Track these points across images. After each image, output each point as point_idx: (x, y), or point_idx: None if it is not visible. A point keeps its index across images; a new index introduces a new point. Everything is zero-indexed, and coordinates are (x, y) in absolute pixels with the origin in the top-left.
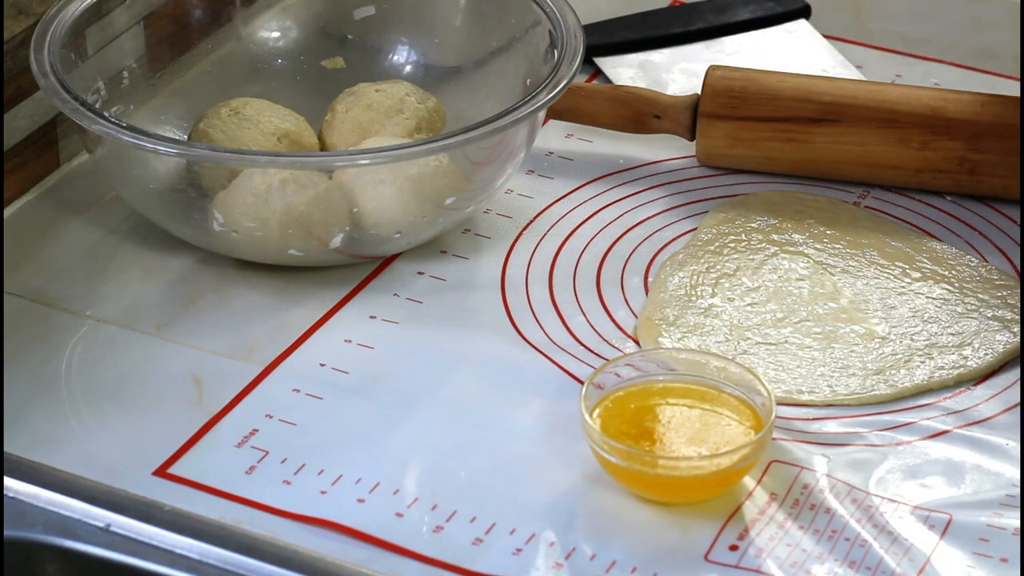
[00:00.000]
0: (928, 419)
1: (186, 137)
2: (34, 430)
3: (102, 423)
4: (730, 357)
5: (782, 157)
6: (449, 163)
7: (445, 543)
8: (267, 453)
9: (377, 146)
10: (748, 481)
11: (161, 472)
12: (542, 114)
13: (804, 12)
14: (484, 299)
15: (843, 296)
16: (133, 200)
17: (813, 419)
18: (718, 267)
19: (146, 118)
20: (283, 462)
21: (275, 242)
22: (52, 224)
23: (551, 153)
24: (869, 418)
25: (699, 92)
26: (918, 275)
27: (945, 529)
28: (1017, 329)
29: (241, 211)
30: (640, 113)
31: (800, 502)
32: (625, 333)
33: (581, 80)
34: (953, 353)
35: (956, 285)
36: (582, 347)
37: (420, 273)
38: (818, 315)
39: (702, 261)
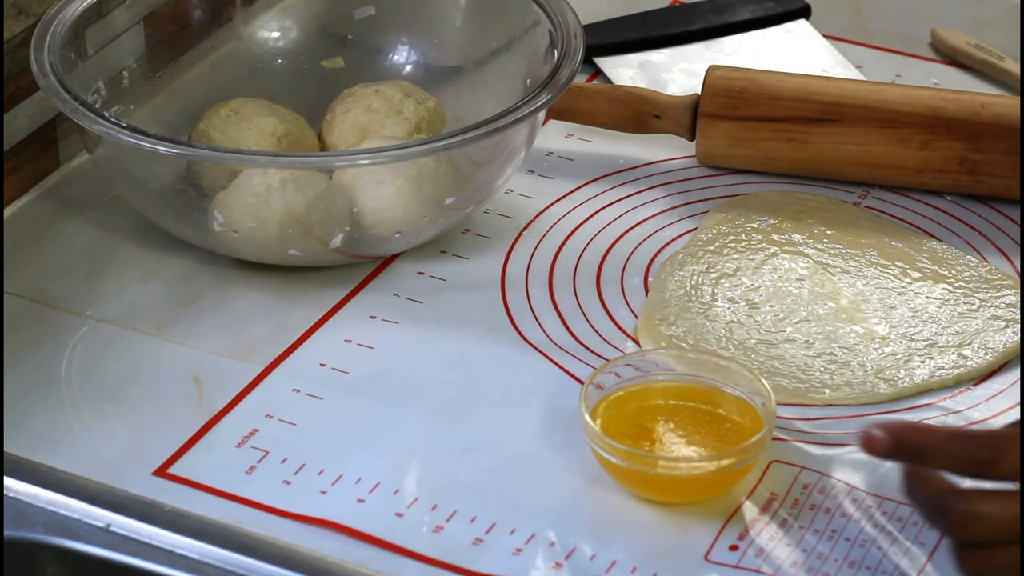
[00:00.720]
0: (928, 419)
1: (186, 137)
2: (34, 430)
3: (102, 423)
4: (730, 357)
5: (782, 157)
6: (449, 163)
7: (445, 543)
8: (267, 453)
9: (377, 146)
10: (748, 481)
11: (161, 472)
12: (542, 114)
13: (804, 12)
14: (484, 299)
15: (843, 296)
16: (133, 200)
17: (813, 419)
18: (718, 267)
19: (146, 118)
20: (283, 462)
21: (275, 242)
22: (52, 224)
23: (551, 153)
24: (869, 418)
25: (699, 92)
26: (918, 275)
27: None
28: (1017, 329)
29: (241, 211)
30: (640, 113)
31: (800, 502)
32: (625, 333)
33: (581, 80)
34: (953, 353)
35: (956, 285)
36: (582, 347)
37: (420, 273)
38: (818, 315)
39: (702, 261)
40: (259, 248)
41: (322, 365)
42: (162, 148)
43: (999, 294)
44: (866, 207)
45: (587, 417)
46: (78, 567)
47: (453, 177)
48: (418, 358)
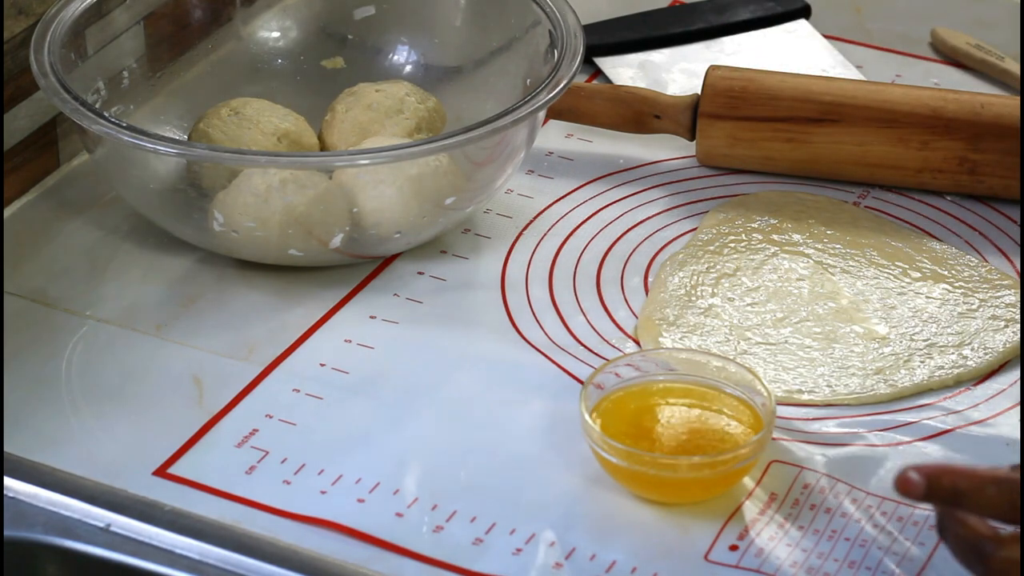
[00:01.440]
0: (928, 419)
1: (186, 137)
2: (34, 430)
3: (102, 423)
4: (730, 357)
5: (782, 157)
6: (449, 163)
7: (445, 543)
8: (267, 453)
9: (377, 146)
10: (748, 481)
11: (161, 472)
12: (542, 114)
13: (804, 12)
14: (484, 299)
15: (843, 296)
16: (133, 200)
17: (813, 419)
18: (718, 267)
19: (146, 118)
20: (283, 462)
21: (275, 242)
22: (52, 224)
23: (551, 153)
24: (869, 418)
25: (699, 92)
26: (918, 275)
27: None
28: (1017, 329)
29: (241, 211)
30: (640, 113)
31: (800, 502)
32: (625, 333)
33: (581, 80)
34: (953, 353)
35: (956, 285)
36: (582, 347)
37: (420, 273)
38: (818, 315)
39: (702, 261)
40: (259, 248)
41: (322, 365)
42: (162, 148)
43: (999, 294)
44: (866, 207)
45: (587, 417)
46: (78, 567)
47: (453, 177)
48: (418, 358)
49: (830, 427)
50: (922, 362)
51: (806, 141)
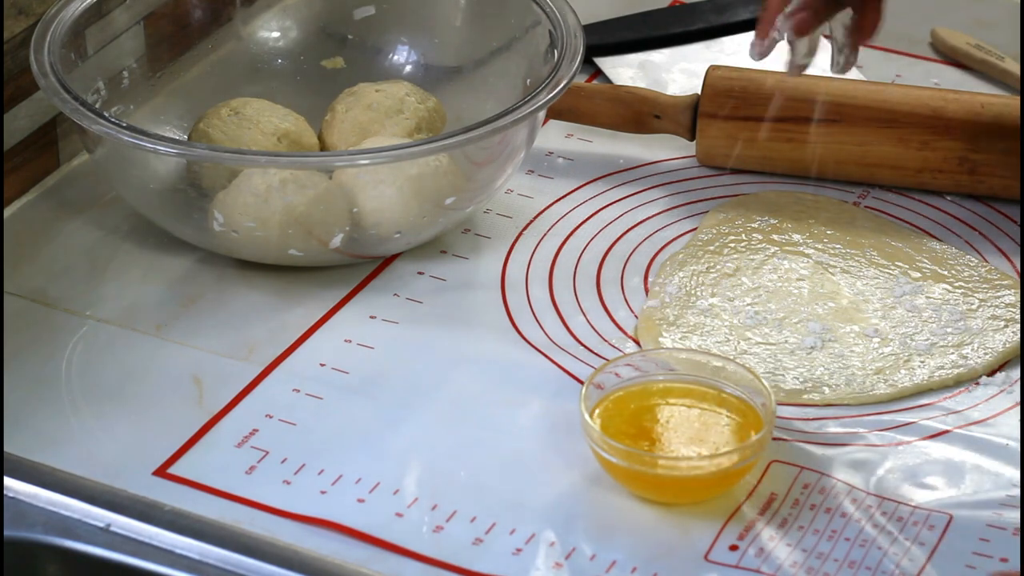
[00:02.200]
0: (928, 419)
1: (186, 137)
2: (34, 430)
3: (102, 423)
4: (730, 357)
5: (782, 157)
6: (449, 163)
7: (445, 543)
8: (267, 453)
9: (377, 146)
10: (748, 481)
11: (161, 472)
12: (542, 114)
13: None
14: (484, 299)
15: (843, 296)
16: (133, 200)
17: (813, 419)
18: (718, 267)
19: (146, 118)
20: (283, 462)
21: (275, 242)
22: (52, 224)
23: (551, 153)
24: (869, 418)
25: (699, 92)
26: (918, 275)
27: (945, 529)
28: (1017, 329)
29: (241, 211)
30: (640, 113)
31: (800, 502)
32: (625, 333)
33: (581, 80)
34: (953, 353)
35: (956, 285)
36: (582, 347)
37: (420, 273)
38: (818, 315)
39: (702, 261)
40: (259, 248)
41: (322, 365)
42: (162, 148)
43: (999, 294)
44: (866, 207)
45: (587, 417)
46: (78, 567)
47: (453, 177)
48: (418, 358)
49: (830, 427)
50: (922, 362)
51: (806, 141)
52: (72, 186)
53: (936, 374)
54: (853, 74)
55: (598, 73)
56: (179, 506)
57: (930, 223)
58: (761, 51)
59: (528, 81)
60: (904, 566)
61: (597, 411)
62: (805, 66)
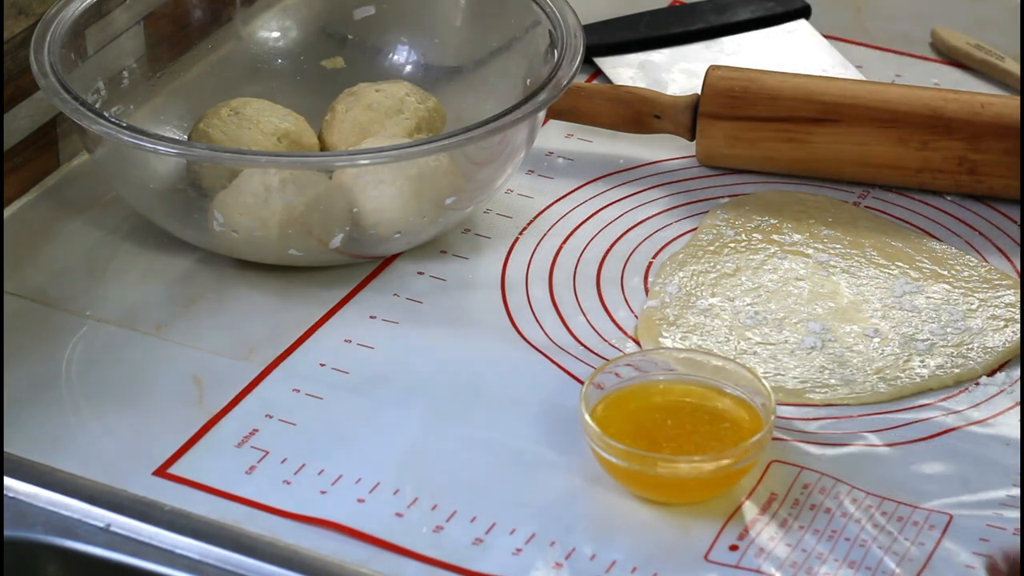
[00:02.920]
0: (928, 419)
1: (186, 137)
2: (34, 430)
3: (102, 423)
4: (730, 357)
5: (782, 157)
6: (449, 163)
7: (445, 543)
8: (267, 453)
9: (377, 146)
10: (748, 481)
11: (161, 472)
12: (542, 114)
13: (804, 12)
14: (484, 299)
15: (843, 296)
16: (133, 200)
17: (813, 419)
18: (718, 267)
19: (146, 118)
20: (283, 462)
21: (275, 242)
22: (52, 224)
23: (551, 153)
24: (869, 418)
25: (699, 92)
26: (918, 275)
27: (945, 529)
28: (1017, 329)
29: (241, 211)
30: (640, 113)
31: (800, 502)
32: (625, 333)
33: (581, 80)
34: (953, 353)
35: (956, 285)
36: (582, 347)
37: (420, 273)
38: (818, 315)
39: (702, 261)
40: (259, 248)
41: (322, 365)
42: (162, 148)
43: (999, 294)
44: (866, 207)
45: (587, 417)
46: (78, 567)
47: (453, 177)
48: (418, 358)
49: (830, 427)
50: (922, 362)
51: (806, 141)
52: (72, 186)
53: (936, 374)
54: (853, 74)
55: (598, 73)
56: (179, 506)
57: (930, 223)
58: None
59: (528, 81)
60: (904, 566)
61: (597, 411)
62: None
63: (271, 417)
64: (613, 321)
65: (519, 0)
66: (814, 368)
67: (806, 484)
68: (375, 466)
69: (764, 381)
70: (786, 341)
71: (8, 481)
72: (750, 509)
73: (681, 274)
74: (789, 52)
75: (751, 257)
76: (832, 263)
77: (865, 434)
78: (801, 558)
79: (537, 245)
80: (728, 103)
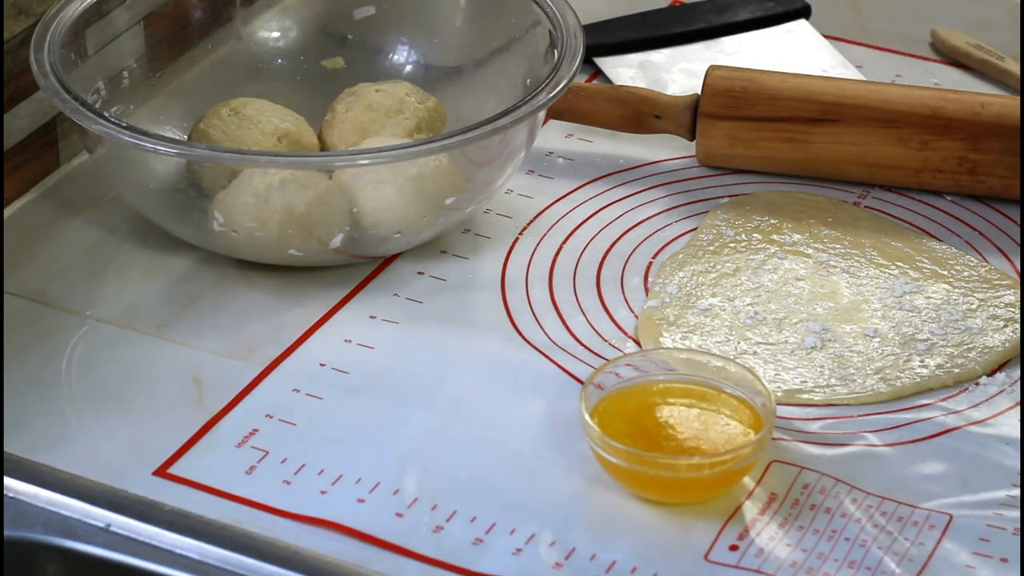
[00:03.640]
0: (928, 419)
1: (186, 137)
2: (34, 430)
3: (102, 423)
4: (730, 357)
5: (782, 157)
6: (449, 163)
7: (445, 543)
8: (267, 453)
9: (377, 146)
10: (748, 481)
11: (161, 472)
12: (542, 114)
13: (804, 12)
14: (484, 299)
15: (843, 296)
16: (133, 200)
17: (813, 419)
18: (718, 267)
19: (146, 118)
20: (283, 462)
21: (275, 242)
22: (52, 224)
23: (551, 153)
24: (869, 418)
25: (699, 92)
26: (918, 275)
27: (945, 529)
28: (1017, 329)
29: (241, 211)
30: (640, 113)
31: (800, 502)
32: (625, 333)
33: (581, 80)
34: (953, 353)
35: (956, 285)
36: (582, 347)
37: (420, 273)
38: (818, 315)
39: (702, 261)
40: (259, 248)
41: (322, 365)
42: (162, 148)
43: (999, 294)
44: (866, 207)
45: (587, 417)
46: (78, 567)
47: (453, 177)
48: (418, 358)
49: (830, 427)
50: (922, 362)
51: (806, 141)
52: (72, 186)
53: (936, 374)
54: (853, 74)
55: (598, 73)
56: (179, 506)
57: (930, 223)
58: None
59: (528, 81)
60: (904, 566)
61: (597, 411)
62: None
63: (271, 417)
64: (613, 321)
65: (519, 0)
66: (814, 368)
67: (806, 484)
68: (375, 466)
69: (764, 381)
70: (786, 341)
71: (8, 481)
72: (750, 509)
73: (681, 274)
74: (789, 52)
75: (751, 257)
76: (832, 263)
77: (865, 434)
78: (801, 558)
79: (537, 245)
80: (728, 103)
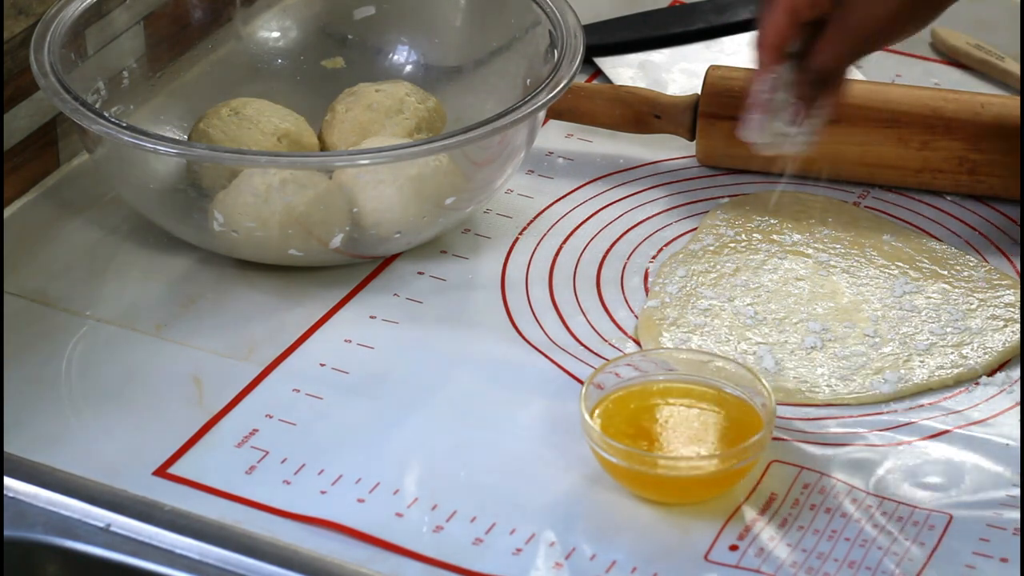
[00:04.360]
0: (928, 419)
1: (186, 137)
2: (34, 430)
3: (102, 423)
4: (730, 357)
5: (782, 157)
6: (449, 163)
7: (445, 543)
8: (267, 453)
9: (377, 146)
10: (748, 481)
11: (161, 472)
12: (542, 114)
13: None
14: (484, 299)
15: (843, 296)
16: (133, 200)
17: (813, 419)
18: (718, 267)
19: (146, 118)
20: (283, 462)
21: (275, 242)
22: (52, 224)
23: (551, 153)
24: (869, 418)
25: (699, 92)
26: (918, 275)
27: (945, 529)
28: (1017, 329)
29: (241, 211)
30: (640, 113)
31: (800, 502)
32: (625, 333)
33: (581, 80)
34: (953, 353)
35: (956, 285)
36: (582, 347)
37: (420, 273)
38: (818, 315)
39: (702, 261)
40: (259, 248)
41: (322, 365)
42: (162, 148)
43: (999, 294)
44: (866, 207)
45: (587, 417)
46: (78, 567)
47: (453, 177)
48: (418, 358)
49: (830, 427)
50: (922, 362)
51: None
52: (72, 186)
53: (936, 374)
54: (853, 74)
55: (598, 73)
56: (179, 506)
57: (930, 223)
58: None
59: (528, 81)
60: (904, 566)
61: (597, 411)
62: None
63: (271, 417)
64: (613, 321)
65: (519, 0)
66: (814, 368)
67: (806, 484)
68: (375, 466)
69: (764, 381)
70: (786, 341)
71: (8, 481)
72: (750, 509)
73: (681, 274)
74: None
75: (751, 257)
76: (832, 263)
77: (865, 434)
78: (801, 558)
79: (537, 245)
80: (728, 103)
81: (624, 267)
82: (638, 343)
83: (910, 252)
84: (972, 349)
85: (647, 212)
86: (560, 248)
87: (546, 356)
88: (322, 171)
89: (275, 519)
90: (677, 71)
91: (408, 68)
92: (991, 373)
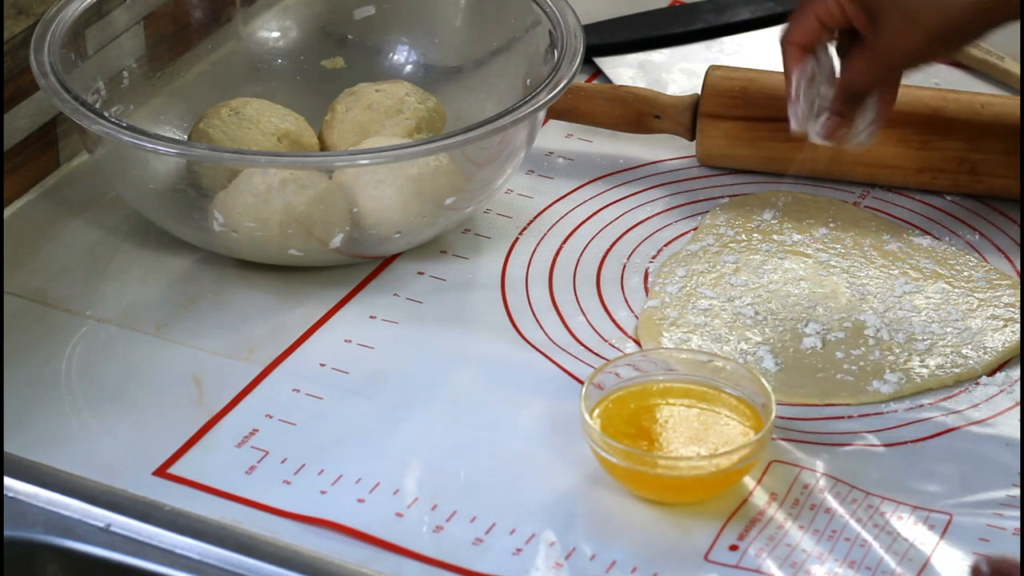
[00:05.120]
0: (928, 419)
1: (186, 137)
2: (34, 430)
3: (102, 423)
4: (730, 357)
5: (782, 157)
6: (449, 163)
7: (445, 543)
8: (267, 453)
9: (377, 146)
10: (748, 481)
11: (161, 472)
12: (542, 114)
13: None
14: (484, 299)
15: (843, 296)
16: (133, 200)
17: (813, 419)
18: (718, 267)
19: (146, 118)
20: (283, 462)
21: (275, 242)
22: (52, 224)
23: (551, 153)
24: (869, 418)
25: (699, 92)
26: (918, 275)
27: (945, 529)
28: (1017, 329)
29: (241, 211)
30: (640, 113)
31: (800, 502)
32: (625, 333)
33: (581, 80)
34: (953, 353)
35: (956, 285)
36: (582, 347)
37: (420, 273)
38: (818, 315)
39: (702, 261)
40: (259, 248)
41: (322, 365)
42: (162, 148)
43: (999, 294)
44: (866, 207)
45: (587, 417)
46: (78, 567)
47: (453, 177)
48: (418, 358)
49: (830, 427)
50: (922, 362)
51: (806, 141)
52: (72, 186)
53: (936, 374)
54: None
55: (598, 73)
56: (179, 506)
57: (930, 223)
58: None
59: (528, 81)
60: (904, 566)
61: (597, 411)
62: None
63: (271, 417)
64: (613, 321)
65: (519, 0)
66: (814, 368)
67: (806, 484)
68: (375, 466)
69: (764, 381)
70: (786, 341)
71: (8, 481)
72: (750, 509)
73: (681, 274)
74: None
75: (751, 257)
76: (832, 263)
77: (865, 434)
78: (801, 558)
79: (537, 245)
80: (728, 103)
81: (624, 267)
82: (638, 343)
83: (910, 252)
84: (972, 349)
85: (647, 212)
86: (560, 248)
87: (546, 356)
88: (322, 171)
89: (275, 519)
90: (677, 71)
91: (408, 68)
92: (991, 373)
